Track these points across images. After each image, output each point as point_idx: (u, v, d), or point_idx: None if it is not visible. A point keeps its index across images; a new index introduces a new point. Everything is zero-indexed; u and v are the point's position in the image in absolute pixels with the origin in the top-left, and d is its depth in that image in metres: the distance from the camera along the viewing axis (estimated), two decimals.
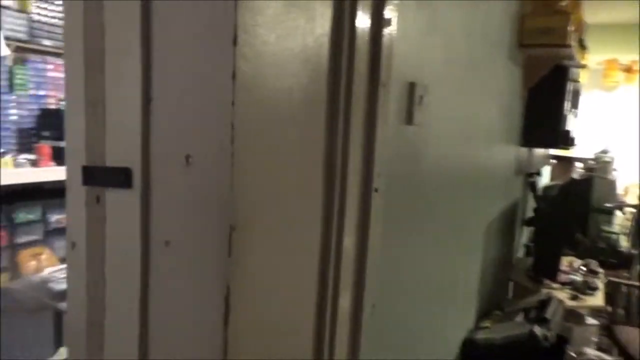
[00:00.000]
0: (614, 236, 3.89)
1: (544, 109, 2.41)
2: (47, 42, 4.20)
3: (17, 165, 3.52)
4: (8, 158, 3.47)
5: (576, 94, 2.74)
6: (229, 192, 0.52)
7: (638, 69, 5.48)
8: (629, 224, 4.16)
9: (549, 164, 4.14)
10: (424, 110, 1.04)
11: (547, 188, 3.33)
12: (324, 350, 0.73)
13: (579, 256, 3.01)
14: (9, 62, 3.99)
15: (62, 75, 0.65)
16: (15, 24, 4.03)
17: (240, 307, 0.55)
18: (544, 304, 2.13)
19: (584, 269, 2.79)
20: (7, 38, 3.93)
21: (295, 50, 0.60)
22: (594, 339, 2.47)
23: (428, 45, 1.08)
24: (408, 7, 0.92)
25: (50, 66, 4.12)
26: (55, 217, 3.65)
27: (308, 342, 0.72)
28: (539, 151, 3.26)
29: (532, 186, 2.96)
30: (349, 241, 0.75)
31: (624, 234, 4.10)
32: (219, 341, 0.55)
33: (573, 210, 2.80)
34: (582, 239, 3.44)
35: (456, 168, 1.48)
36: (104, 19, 0.58)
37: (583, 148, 4.21)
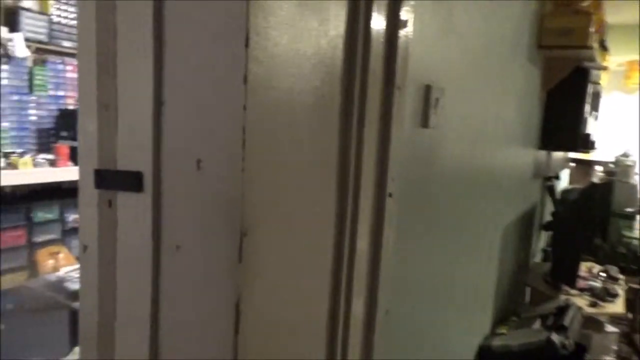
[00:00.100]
0: (634, 242, 3.80)
1: (563, 111, 2.36)
2: (66, 44, 4.27)
3: (36, 165, 3.58)
4: (27, 158, 3.53)
5: (596, 96, 2.68)
6: (239, 197, 0.52)
7: None
8: None
9: (567, 167, 4.07)
10: (440, 113, 1.02)
11: (565, 192, 3.27)
12: (337, 358, 0.72)
13: (599, 262, 2.95)
14: (29, 63, 4.07)
15: None
16: (35, 26, 4.10)
17: (251, 315, 0.54)
18: (562, 310, 2.08)
19: (604, 275, 2.72)
20: (27, 39, 4.00)
21: (308, 52, 0.59)
22: (614, 347, 2.41)
23: (444, 46, 1.06)
24: (424, 8, 0.91)
25: (69, 67, 4.19)
26: (72, 217, 3.71)
27: (321, 350, 0.71)
28: (558, 154, 3.20)
29: (551, 190, 2.91)
30: (362, 247, 0.74)
31: None
32: (229, 348, 0.54)
33: (593, 214, 2.74)
34: (602, 244, 3.37)
35: (472, 171, 1.45)
36: (116, 21, 0.58)
37: (603, 151, 4.13)
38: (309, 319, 0.68)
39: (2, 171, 3.35)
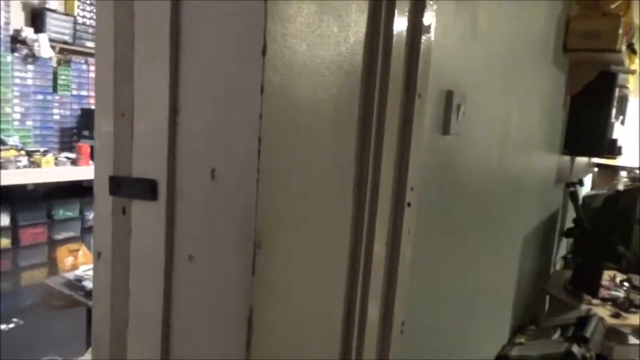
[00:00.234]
0: None
1: (588, 116, 2.30)
2: (90, 44, 4.34)
3: (58, 163, 3.65)
4: (50, 156, 3.59)
5: (623, 101, 2.61)
6: (254, 208, 0.50)
7: None
8: None
9: (591, 172, 3.97)
10: (461, 119, 0.99)
11: (588, 198, 3.19)
12: None
13: (622, 271, 2.87)
14: (53, 64, 4.14)
15: None
16: (60, 27, 4.18)
17: (264, 328, 0.53)
18: (583, 321, 2.03)
19: (627, 284, 2.64)
20: (52, 40, 4.09)
21: (327, 59, 0.57)
22: (637, 359, 2.34)
23: (467, 50, 1.04)
24: (447, 11, 0.88)
25: (92, 67, 4.25)
26: (92, 215, 3.77)
27: None
28: (582, 159, 3.13)
29: (573, 196, 2.84)
30: (378, 260, 0.72)
31: None
32: None
33: (617, 222, 2.66)
34: (626, 253, 3.28)
35: (493, 177, 1.42)
36: (134, 28, 0.57)
37: (628, 156, 4.02)
38: (323, 332, 0.67)
39: (26, 169, 3.42)
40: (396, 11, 0.67)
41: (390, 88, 0.67)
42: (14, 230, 3.52)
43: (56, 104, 4.16)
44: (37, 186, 3.69)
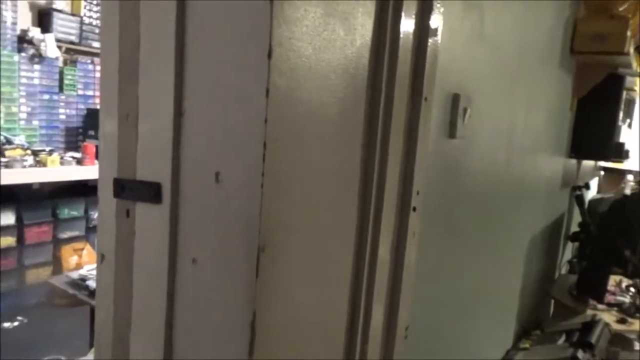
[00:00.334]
0: None
1: (595, 119, 2.28)
2: (96, 44, 4.36)
3: (63, 163, 3.66)
4: (55, 156, 3.61)
5: (631, 104, 2.59)
6: (258, 212, 0.50)
7: None
8: None
9: (597, 175, 3.95)
10: (467, 122, 0.99)
11: (594, 201, 3.17)
12: None
13: (628, 276, 2.84)
14: (59, 63, 4.17)
15: None
16: (67, 27, 4.21)
17: (267, 334, 0.53)
18: (589, 326, 2.01)
19: (633, 290, 2.62)
20: (58, 40, 4.11)
21: (333, 63, 0.57)
22: None
23: (474, 53, 1.03)
24: (454, 14, 0.88)
25: (98, 67, 4.28)
26: (97, 214, 3.78)
27: None
28: (588, 163, 3.10)
29: (579, 200, 2.82)
30: (383, 265, 0.71)
31: None
32: None
33: (623, 226, 2.64)
34: (632, 257, 3.25)
35: (498, 181, 1.41)
36: (139, 29, 0.57)
37: (635, 160, 3.99)
38: (327, 336, 0.66)
39: (31, 168, 3.44)
40: (403, 14, 0.66)
41: (396, 91, 0.67)
42: (19, 228, 3.54)
43: (62, 104, 4.18)
44: (43, 185, 3.71)
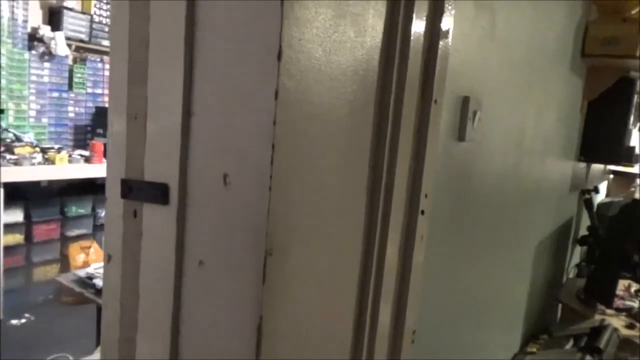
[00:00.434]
0: None
1: (606, 123, 2.25)
2: (105, 43, 4.38)
3: (71, 160, 3.68)
4: (64, 154, 3.63)
5: None
6: (265, 216, 0.49)
7: None
8: None
9: (607, 179, 3.91)
10: (477, 125, 0.98)
11: (602, 205, 3.14)
12: None
13: (637, 280, 2.81)
14: (69, 62, 4.19)
15: None
16: (77, 25, 4.23)
17: (273, 338, 0.52)
18: (597, 331, 1.99)
19: None
20: (68, 38, 4.13)
21: (343, 64, 0.56)
22: None
23: (484, 56, 1.02)
24: (466, 16, 0.87)
25: (107, 66, 4.30)
26: (104, 212, 3.80)
27: None
28: (597, 166, 3.07)
29: (588, 203, 2.79)
30: (390, 268, 0.71)
31: None
32: None
33: (632, 230, 2.61)
34: None
35: (507, 184, 1.40)
36: (149, 29, 0.57)
37: None
38: (333, 340, 0.65)
39: (40, 166, 3.46)
40: (414, 15, 0.66)
41: (406, 94, 0.66)
42: (27, 226, 3.56)
43: (71, 102, 4.20)
44: (51, 183, 3.73)
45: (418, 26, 0.68)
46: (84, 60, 4.33)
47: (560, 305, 2.58)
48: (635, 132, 2.48)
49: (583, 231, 2.83)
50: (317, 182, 0.56)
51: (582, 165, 2.56)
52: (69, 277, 2.37)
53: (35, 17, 4.02)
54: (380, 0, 0.61)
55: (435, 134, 0.75)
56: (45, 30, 3.97)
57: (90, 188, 3.88)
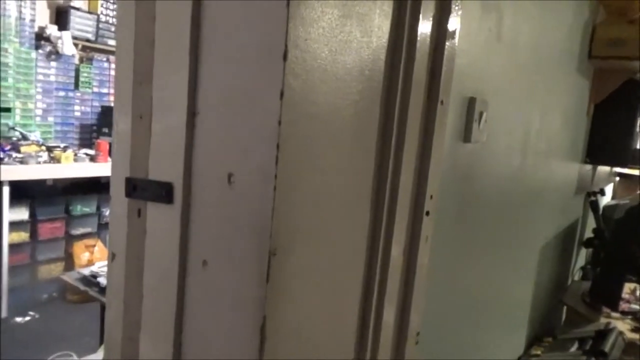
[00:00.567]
0: None
1: (612, 125, 2.24)
2: (112, 42, 4.40)
3: (77, 159, 3.70)
4: (69, 152, 3.64)
5: None
6: (269, 216, 0.49)
7: None
8: None
9: (613, 181, 3.89)
10: (483, 126, 0.97)
11: (608, 207, 3.12)
12: None
13: None
14: (75, 61, 4.21)
15: None
16: (84, 24, 4.25)
17: (277, 338, 0.52)
18: (602, 334, 1.98)
19: None
20: (75, 38, 4.15)
21: (349, 64, 0.56)
22: None
23: (490, 57, 1.02)
24: (472, 17, 0.86)
25: (113, 65, 4.32)
26: (109, 211, 3.82)
27: None
28: (603, 168, 3.06)
29: (594, 205, 2.77)
30: (395, 269, 0.70)
31: None
32: None
33: (638, 233, 2.59)
34: None
35: (513, 186, 1.39)
36: (154, 28, 0.57)
37: None
38: (337, 341, 0.65)
39: (46, 165, 3.48)
40: (420, 15, 0.65)
41: (412, 94, 0.66)
42: (32, 224, 3.58)
43: (77, 101, 4.22)
44: (56, 181, 3.75)
45: (424, 26, 0.67)
46: (90, 60, 4.35)
47: (565, 308, 2.57)
48: None
49: (588, 233, 2.81)
50: (322, 182, 0.56)
51: (588, 167, 2.55)
52: (73, 275, 2.38)
53: (43, 17, 4.04)
54: (386, 0, 0.61)
55: (441, 135, 0.74)
56: (52, 30, 3.99)
57: (95, 187, 3.90)
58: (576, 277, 2.96)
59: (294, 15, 0.47)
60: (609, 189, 3.81)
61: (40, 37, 3.94)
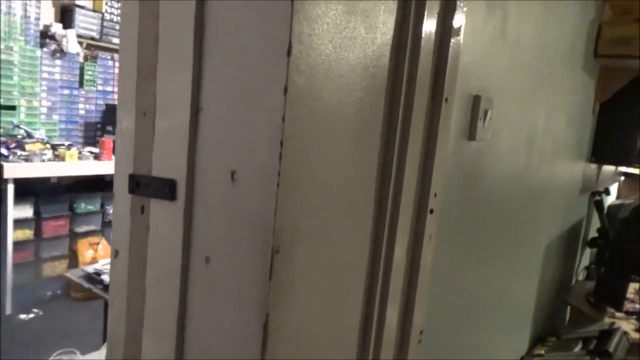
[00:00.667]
0: None
1: (618, 124, 2.23)
2: (116, 41, 4.40)
3: (81, 157, 3.71)
4: (74, 150, 3.65)
5: None
6: (273, 213, 0.49)
7: None
8: None
9: (618, 181, 3.87)
10: (488, 124, 0.97)
11: (613, 207, 3.10)
12: None
13: None
14: (80, 59, 4.22)
15: None
16: (88, 23, 4.26)
17: (279, 335, 0.52)
18: (607, 334, 1.97)
19: None
20: (79, 36, 4.16)
21: (353, 61, 0.56)
22: None
23: (496, 54, 1.01)
24: (477, 14, 0.86)
25: (117, 63, 4.32)
26: (112, 210, 3.83)
27: None
28: (608, 168, 3.04)
29: (599, 205, 2.76)
30: (398, 267, 0.70)
31: None
32: None
33: None
34: None
35: (517, 185, 1.38)
36: (158, 26, 0.57)
37: None
38: (340, 339, 0.65)
39: (50, 162, 3.49)
40: (425, 13, 0.65)
41: (416, 92, 0.65)
42: (37, 222, 3.59)
43: (82, 99, 4.23)
44: (61, 179, 3.76)
45: (429, 23, 0.67)
46: (94, 58, 4.36)
47: (569, 308, 2.56)
48: None
49: (593, 233, 2.80)
50: (326, 179, 0.56)
51: (593, 166, 2.53)
52: (77, 273, 2.38)
53: (47, 15, 4.05)
54: None
55: (445, 132, 0.74)
56: (57, 28, 4.00)
57: (100, 185, 3.91)
58: (580, 277, 2.95)
59: (298, 10, 0.46)
60: (613, 189, 3.79)
61: (45, 36, 3.95)
